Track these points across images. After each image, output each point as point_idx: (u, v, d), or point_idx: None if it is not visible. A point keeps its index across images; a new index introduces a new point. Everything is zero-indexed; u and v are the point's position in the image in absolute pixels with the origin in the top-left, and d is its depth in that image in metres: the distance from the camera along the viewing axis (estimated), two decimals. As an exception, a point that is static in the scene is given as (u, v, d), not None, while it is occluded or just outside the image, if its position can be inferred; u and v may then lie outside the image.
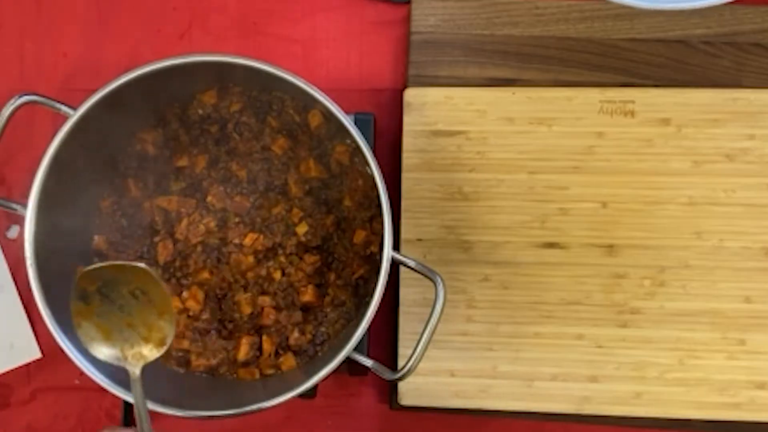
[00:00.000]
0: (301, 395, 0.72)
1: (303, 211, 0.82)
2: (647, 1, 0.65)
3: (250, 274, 0.82)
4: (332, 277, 0.82)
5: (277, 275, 0.81)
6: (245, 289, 0.82)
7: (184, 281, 0.82)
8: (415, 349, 0.71)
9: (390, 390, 0.87)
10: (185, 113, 0.84)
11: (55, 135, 0.74)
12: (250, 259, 0.81)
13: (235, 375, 0.82)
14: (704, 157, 0.85)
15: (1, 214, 0.92)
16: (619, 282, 0.85)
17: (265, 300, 0.82)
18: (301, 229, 0.82)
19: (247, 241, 0.81)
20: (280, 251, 0.82)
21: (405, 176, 0.86)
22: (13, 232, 0.92)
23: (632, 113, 0.86)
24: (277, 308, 0.82)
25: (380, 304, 0.71)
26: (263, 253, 0.82)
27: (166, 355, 0.82)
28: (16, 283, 0.91)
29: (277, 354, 0.82)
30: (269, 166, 0.83)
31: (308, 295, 0.81)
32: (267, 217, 0.82)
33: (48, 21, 0.94)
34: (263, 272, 0.81)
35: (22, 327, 0.90)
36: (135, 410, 0.69)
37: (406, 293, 0.85)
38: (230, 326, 0.82)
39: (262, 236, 0.81)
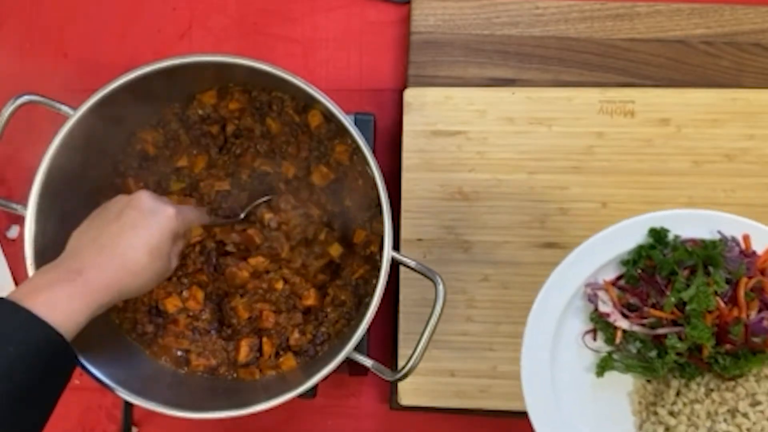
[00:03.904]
0: (301, 395, 0.72)
1: None
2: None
3: (249, 285, 0.82)
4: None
5: (279, 285, 0.81)
6: (242, 295, 0.82)
7: (184, 280, 0.82)
8: (415, 349, 0.71)
9: (390, 390, 0.87)
10: (185, 113, 0.84)
11: (55, 135, 0.74)
12: (245, 273, 0.81)
13: (235, 375, 0.82)
14: (704, 157, 0.85)
15: (1, 214, 0.92)
16: (619, 282, 0.85)
17: (265, 305, 0.82)
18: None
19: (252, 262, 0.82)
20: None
21: (405, 176, 0.86)
22: (13, 232, 0.92)
23: (632, 113, 0.86)
24: (277, 311, 0.82)
25: (380, 304, 0.71)
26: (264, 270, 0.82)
27: (167, 355, 0.82)
28: (16, 283, 0.91)
29: (277, 354, 0.82)
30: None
31: (311, 299, 0.81)
32: None
33: (48, 21, 0.94)
34: (264, 285, 0.82)
35: (22, 327, 0.90)
36: None
37: (406, 293, 0.85)
38: (229, 330, 0.82)
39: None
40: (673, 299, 0.63)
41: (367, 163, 0.73)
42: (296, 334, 0.81)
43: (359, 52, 0.93)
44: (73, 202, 0.80)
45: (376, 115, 0.88)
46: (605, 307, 0.66)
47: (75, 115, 0.74)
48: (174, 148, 0.84)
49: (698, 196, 0.85)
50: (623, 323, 0.65)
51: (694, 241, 0.67)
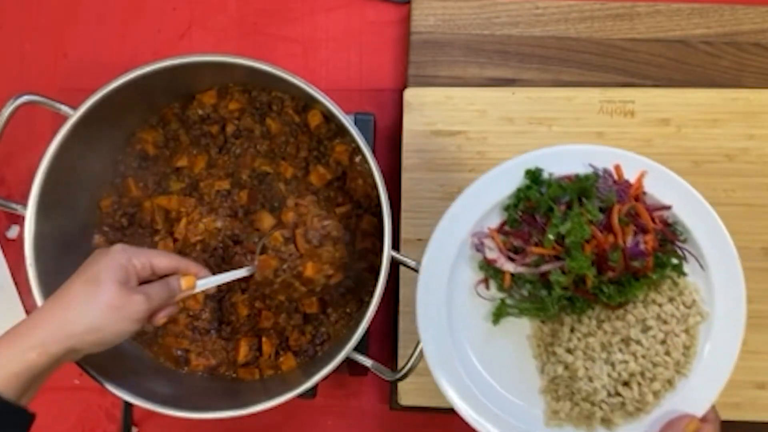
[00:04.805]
0: (301, 395, 0.72)
1: None
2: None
3: (252, 282, 0.82)
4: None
5: (282, 297, 0.81)
6: (243, 290, 0.82)
7: (184, 281, 0.82)
8: (415, 349, 0.71)
9: (390, 390, 0.87)
10: (185, 113, 0.84)
11: (55, 135, 0.74)
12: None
13: (234, 375, 0.82)
14: (704, 157, 0.85)
15: (0, 214, 0.92)
16: (619, 282, 0.85)
17: (263, 307, 0.82)
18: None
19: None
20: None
21: (405, 176, 0.86)
22: (13, 232, 0.92)
23: (632, 113, 0.86)
24: (277, 313, 0.82)
25: (380, 304, 0.71)
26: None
27: (167, 355, 0.82)
28: (16, 283, 0.91)
29: (277, 354, 0.82)
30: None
31: (313, 308, 0.81)
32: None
33: (48, 21, 0.94)
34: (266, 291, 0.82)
35: (22, 327, 0.90)
36: None
37: (406, 293, 0.85)
38: (228, 328, 0.82)
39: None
40: (551, 235, 0.64)
41: (367, 163, 0.73)
42: (296, 334, 0.81)
43: (359, 52, 0.93)
44: (73, 202, 0.80)
45: (376, 115, 0.88)
46: (492, 254, 0.67)
47: (75, 115, 0.74)
48: (174, 148, 0.84)
49: (698, 196, 0.85)
50: (509, 266, 0.66)
51: (569, 177, 0.67)
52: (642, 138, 0.85)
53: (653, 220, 0.66)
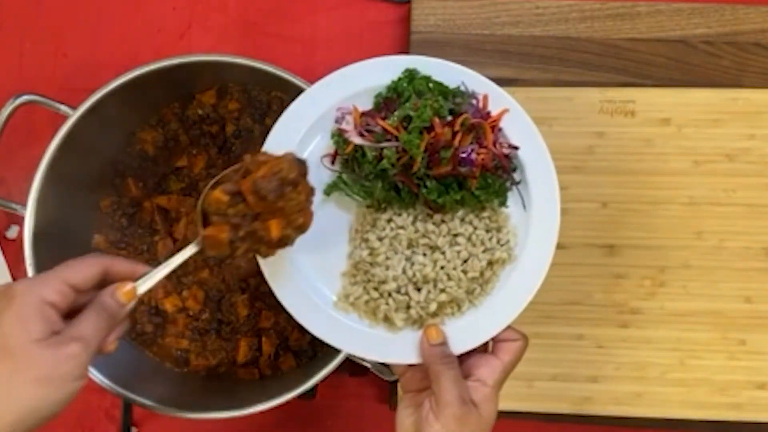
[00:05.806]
0: (301, 395, 0.72)
1: None
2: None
3: (252, 281, 0.82)
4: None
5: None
6: (243, 290, 0.82)
7: (184, 279, 0.82)
8: (414, 349, 0.71)
9: (390, 390, 0.87)
10: (185, 113, 0.84)
11: (55, 135, 0.74)
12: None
13: (234, 375, 0.82)
14: (704, 157, 0.85)
15: (0, 214, 0.92)
16: (620, 282, 0.84)
17: (263, 306, 0.82)
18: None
19: None
20: None
21: (405, 176, 0.86)
22: (13, 232, 0.92)
23: (632, 113, 0.86)
24: (278, 312, 0.82)
25: (380, 304, 0.71)
26: None
27: (167, 355, 0.82)
28: (15, 283, 0.91)
29: (277, 354, 0.82)
30: None
31: None
32: None
33: (48, 21, 0.94)
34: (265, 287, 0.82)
35: (22, 327, 0.90)
36: None
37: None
38: (228, 328, 0.82)
39: None
40: (398, 113, 0.67)
41: (366, 163, 0.73)
42: (296, 334, 0.81)
43: (359, 52, 0.92)
44: (73, 202, 0.80)
45: (376, 115, 0.88)
46: (347, 126, 0.69)
47: (74, 115, 0.74)
48: (174, 148, 0.84)
49: (698, 196, 0.85)
50: (356, 138, 0.68)
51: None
52: (642, 138, 0.85)
53: (495, 146, 0.68)
